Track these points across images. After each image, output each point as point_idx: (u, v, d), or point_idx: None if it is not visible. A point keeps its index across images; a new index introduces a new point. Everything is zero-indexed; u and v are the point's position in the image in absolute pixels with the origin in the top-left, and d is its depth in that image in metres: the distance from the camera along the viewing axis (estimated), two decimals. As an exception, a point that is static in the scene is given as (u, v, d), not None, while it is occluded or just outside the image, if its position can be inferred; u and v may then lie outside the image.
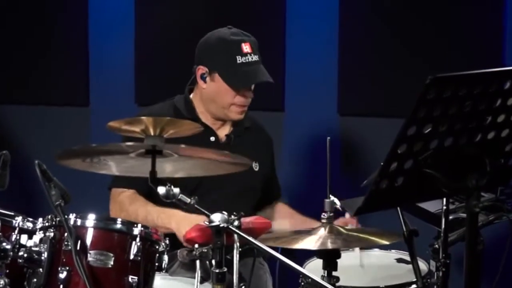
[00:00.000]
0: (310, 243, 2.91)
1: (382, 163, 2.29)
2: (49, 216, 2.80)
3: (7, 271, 2.77)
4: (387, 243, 2.97)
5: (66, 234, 2.71)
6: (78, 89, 4.85)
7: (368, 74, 4.55)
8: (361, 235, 3.04)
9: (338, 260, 2.93)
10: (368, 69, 4.55)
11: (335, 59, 4.58)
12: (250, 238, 2.65)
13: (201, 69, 3.57)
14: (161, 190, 2.64)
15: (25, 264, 2.75)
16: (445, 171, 2.33)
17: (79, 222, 2.78)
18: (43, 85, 4.86)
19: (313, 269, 3.15)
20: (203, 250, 2.75)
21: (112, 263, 2.75)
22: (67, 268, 2.72)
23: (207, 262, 2.75)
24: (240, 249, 2.74)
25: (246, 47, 3.53)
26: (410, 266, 3.01)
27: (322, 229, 2.99)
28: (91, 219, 2.80)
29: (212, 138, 3.61)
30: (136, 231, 2.79)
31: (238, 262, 2.76)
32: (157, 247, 2.84)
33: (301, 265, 3.19)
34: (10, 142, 4.80)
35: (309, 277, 2.67)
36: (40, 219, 2.84)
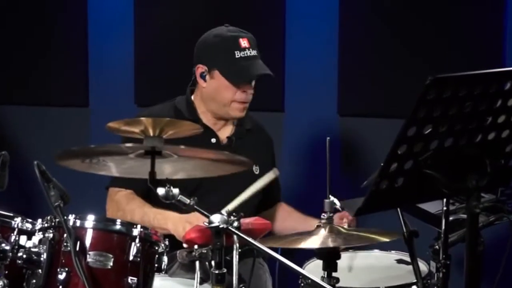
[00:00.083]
0: (310, 242, 2.91)
1: (382, 164, 2.29)
2: (48, 217, 2.80)
3: (6, 272, 2.76)
4: (387, 240, 2.96)
5: (65, 235, 2.71)
6: (77, 89, 4.85)
7: (368, 74, 4.55)
8: (361, 233, 3.03)
9: (338, 261, 2.92)
10: (368, 69, 4.55)
11: (335, 59, 4.58)
12: (250, 239, 2.65)
13: (200, 68, 3.57)
14: (161, 191, 2.63)
15: (24, 265, 2.74)
16: (445, 171, 2.33)
17: (78, 223, 2.78)
18: (43, 85, 4.86)
19: (313, 270, 3.15)
20: (203, 251, 2.74)
21: (111, 264, 2.74)
22: (67, 269, 2.72)
23: (207, 263, 2.75)
24: (239, 250, 2.74)
25: (244, 42, 3.52)
26: (410, 267, 3.00)
27: (322, 229, 2.98)
28: (90, 220, 2.79)
29: (213, 140, 3.60)
30: (136, 232, 2.79)
31: (238, 263, 2.76)
32: (156, 248, 2.84)
33: (301, 266, 3.18)
34: (9, 143, 4.80)
35: (309, 278, 2.67)
36: (39, 220, 2.83)
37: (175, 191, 2.64)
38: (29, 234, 2.81)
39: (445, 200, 2.81)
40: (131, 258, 2.76)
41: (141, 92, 4.76)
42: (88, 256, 2.73)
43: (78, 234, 2.74)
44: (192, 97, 3.65)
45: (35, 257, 2.73)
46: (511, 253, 3.13)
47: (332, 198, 3.03)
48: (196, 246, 2.78)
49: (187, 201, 2.68)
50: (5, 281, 2.74)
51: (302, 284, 3.14)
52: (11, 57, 4.87)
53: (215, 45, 3.54)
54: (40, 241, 2.77)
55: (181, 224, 3.22)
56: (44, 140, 4.76)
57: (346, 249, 3.34)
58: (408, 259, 3.05)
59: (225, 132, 3.64)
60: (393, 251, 3.44)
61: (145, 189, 3.10)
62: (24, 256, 2.72)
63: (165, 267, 2.86)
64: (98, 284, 2.71)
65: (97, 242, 2.77)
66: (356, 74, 4.57)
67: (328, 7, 4.59)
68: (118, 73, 4.79)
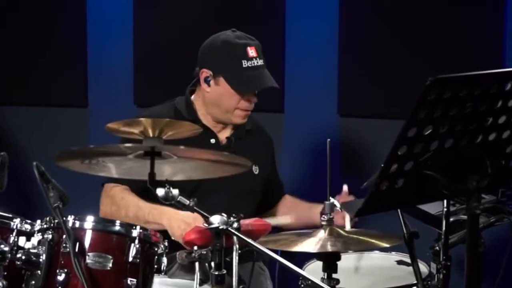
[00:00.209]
0: (310, 245, 2.90)
1: (382, 165, 2.28)
2: (48, 218, 2.79)
3: (5, 273, 2.75)
4: (387, 245, 2.96)
5: (64, 236, 2.70)
6: (76, 90, 4.85)
7: (368, 75, 4.54)
8: (361, 237, 3.03)
9: (338, 262, 2.92)
10: (368, 69, 4.55)
11: (335, 59, 4.58)
12: (250, 240, 2.64)
13: (205, 72, 3.54)
14: (160, 192, 2.63)
15: (23, 266, 2.73)
16: (445, 172, 2.33)
17: (77, 224, 2.77)
18: (42, 86, 4.86)
19: (313, 271, 3.14)
20: (202, 252, 2.74)
21: (110, 265, 2.74)
22: (66, 270, 2.71)
23: (206, 264, 2.74)
24: (239, 251, 2.73)
25: (251, 51, 3.50)
26: (411, 268, 2.99)
27: (322, 231, 2.98)
28: (89, 221, 2.78)
29: (213, 141, 3.59)
30: (135, 233, 2.78)
31: (238, 264, 2.75)
32: (156, 249, 2.83)
33: (300, 267, 3.18)
34: (8, 143, 4.80)
35: (309, 279, 2.66)
36: (38, 221, 2.83)
37: (175, 192, 2.64)
38: (28, 235, 2.81)
39: (445, 201, 2.80)
40: (130, 259, 2.75)
41: (141, 93, 4.75)
42: (87, 257, 2.72)
43: (77, 235, 2.73)
44: (192, 98, 3.64)
45: (34, 258, 2.72)
46: (512, 254, 3.13)
47: (332, 199, 3.03)
48: (195, 247, 2.77)
49: (187, 202, 2.68)
50: (4, 282, 2.73)
51: (302, 286, 3.14)
52: (10, 57, 4.87)
53: (222, 52, 3.51)
54: (39, 242, 2.76)
55: (177, 222, 3.22)
56: (43, 141, 4.76)
57: (346, 251, 3.33)
58: (408, 260, 3.04)
59: (224, 133, 3.63)
60: (393, 252, 3.44)
61: (141, 187, 3.09)
62: (23, 257, 2.72)
63: (164, 268, 2.86)
64: (97, 285, 2.70)
65: (96, 243, 2.76)
66: (356, 75, 4.56)
67: (328, 7, 4.59)
68: (117, 73, 4.78)
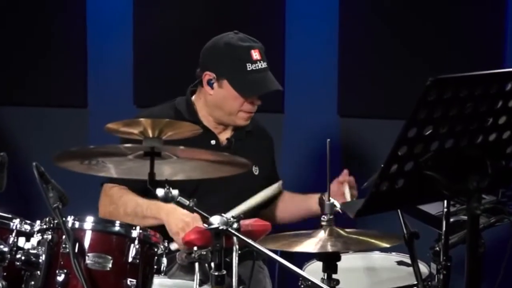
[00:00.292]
0: (310, 246, 2.90)
1: (382, 165, 2.28)
2: (47, 219, 2.79)
3: (5, 273, 2.76)
4: (387, 245, 2.96)
5: (64, 237, 2.71)
6: (76, 90, 4.84)
7: (368, 75, 4.54)
8: (361, 237, 3.02)
9: (338, 263, 2.91)
10: (368, 69, 4.55)
11: (335, 59, 4.57)
12: (249, 241, 2.64)
13: (208, 75, 3.52)
14: (160, 192, 2.63)
15: (22, 266, 2.73)
16: (446, 173, 2.32)
17: (77, 224, 2.77)
18: (41, 86, 4.85)
19: (313, 271, 3.14)
20: (202, 252, 2.74)
21: (110, 265, 2.74)
22: (65, 271, 2.71)
23: (206, 264, 2.75)
24: (239, 252, 2.73)
25: (255, 54, 3.49)
26: (411, 268, 3.00)
27: (322, 231, 2.98)
28: (89, 222, 2.79)
29: (213, 142, 3.58)
30: (135, 233, 2.78)
31: (238, 264, 2.75)
32: (155, 249, 2.83)
33: (300, 267, 3.18)
34: (7, 144, 4.79)
35: (309, 280, 2.66)
36: (38, 222, 2.83)
37: (175, 192, 2.64)
38: (28, 236, 2.81)
39: (445, 201, 2.80)
40: (130, 259, 2.76)
41: (140, 93, 4.75)
42: (87, 257, 2.73)
43: (77, 235, 2.73)
44: (193, 98, 3.63)
45: (33, 259, 2.72)
46: (512, 255, 3.13)
47: (332, 200, 3.02)
48: (195, 248, 2.77)
49: (187, 202, 2.68)
50: (4, 282, 2.73)
51: (302, 286, 3.14)
52: (8, 58, 4.86)
53: (225, 55, 3.50)
54: (39, 242, 2.76)
55: (175, 219, 3.21)
56: (43, 141, 4.75)
57: (346, 251, 3.32)
58: (408, 260, 3.05)
59: (225, 134, 3.63)
60: (393, 253, 3.44)
61: (140, 187, 3.09)
62: (23, 257, 2.72)
63: (164, 268, 2.86)
64: (97, 286, 2.70)
65: (96, 243, 2.76)
66: (356, 75, 4.56)
67: (328, 7, 4.58)
68: (117, 73, 4.77)
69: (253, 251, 2.88)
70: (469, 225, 2.41)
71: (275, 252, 2.70)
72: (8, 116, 4.93)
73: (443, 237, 2.83)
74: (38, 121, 4.89)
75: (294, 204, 3.72)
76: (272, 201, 3.71)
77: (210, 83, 3.52)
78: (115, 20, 4.77)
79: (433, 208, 3.19)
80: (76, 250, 2.69)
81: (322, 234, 2.95)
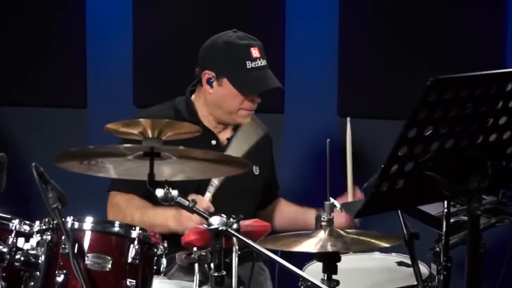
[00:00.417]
0: (310, 246, 2.89)
1: (382, 166, 2.28)
2: (46, 219, 2.78)
3: (4, 274, 2.75)
4: (387, 245, 2.95)
5: (63, 237, 2.70)
6: (75, 90, 4.84)
7: (368, 75, 4.54)
8: (361, 237, 3.02)
9: (338, 263, 2.91)
10: (368, 69, 4.54)
11: (335, 59, 4.57)
12: (249, 241, 2.63)
13: (208, 74, 3.52)
14: (159, 192, 2.62)
15: (22, 267, 2.73)
16: (446, 173, 2.32)
17: (76, 225, 2.77)
18: (41, 86, 4.84)
19: (313, 272, 3.14)
20: (202, 253, 2.73)
21: (110, 266, 2.73)
22: (65, 271, 2.70)
23: (206, 265, 2.74)
24: (239, 252, 2.72)
25: (255, 52, 3.49)
26: (411, 269, 2.99)
27: (322, 231, 2.97)
28: (88, 222, 2.78)
29: (213, 142, 3.58)
30: (134, 234, 2.77)
31: (237, 264, 2.75)
32: (155, 250, 2.82)
33: (300, 268, 3.17)
34: (7, 144, 4.78)
35: (309, 281, 2.66)
36: (37, 222, 2.82)
37: (174, 192, 2.63)
38: (27, 236, 2.80)
39: (446, 202, 2.80)
40: (129, 260, 2.75)
41: (140, 93, 4.74)
42: (86, 258, 2.72)
43: (76, 236, 2.72)
44: (192, 98, 3.62)
45: (33, 260, 2.72)
46: (513, 255, 3.13)
47: (332, 200, 3.02)
48: (195, 248, 2.77)
49: (186, 203, 2.67)
50: (3, 283, 2.73)
51: (302, 287, 3.13)
52: (8, 58, 4.86)
53: (225, 53, 3.49)
54: (38, 243, 2.76)
55: (183, 220, 3.20)
56: (42, 142, 4.75)
57: (347, 251, 3.32)
58: (408, 261, 3.04)
59: (225, 134, 3.62)
60: (393, 253, 3.43)
61: (145, 192, 3.08)
62: (22, 258, 2.71)
63: (164, 269, 2.85)
64: (96, 286, 2.70)
65: (96, 244, 2.76)
66: (356, 75, 4.56)
67: (328, 7, 4.58)
68: (116, 74, 4.77)
69: (253, 251, 2.87)
70: (470, 226, 2.41)
71: (275, 252, 2.69)
72: (7, 116, 4.92)
73: (443, 237, 2.82)
74: (37, 122, 4.88)
75: (291, 215, 3.72)
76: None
77: (209, 82, 3.52)
78: (114, 20, 4.77)
79: (433, 209, 3.19)
80: (76, 251, 2.69)
81: (322, 234, 2.95)
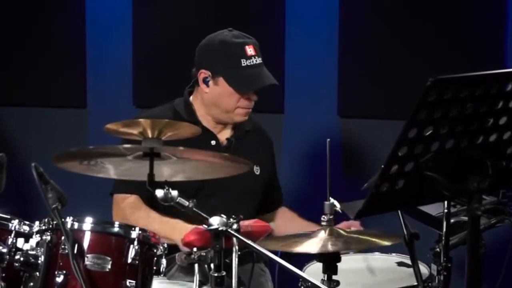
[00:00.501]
0: (310, 246, 2.89)
1: (382, 166, 2.27)
2: (46, 220, 2.78)
3: (4, 274, 2.75)
4: (388, 243, 2.95)
5: (63, 238, 2.70)
6: (75, 91, 4.83)
7: (368, 75, 4.54)
8: (361, 236, 3.02)
9: (338, 264, 2.90)
10: (368, 69, 4.54)
11: (335, 59, 4.57)
12: (249, 242, 2.63)
13: (204, 73, 3.52)
14: (159, 193, 2.62)
15: (21, 267, 2.73)
16: (446, 173, 2.32)
17: (76, 225, 2.76)
18: (40, 86, 4.84)
19: (313, 272, 3.13)
20: (202, 253, 2.73)
21: (109, 267, 2.73)
22: (64, 272, 2.70)
23: (206, 265, 2.74)
24: (239, 253, 2.72)
25: (250, 50, 3.49)
26: (411, 269, 2.99)
27: (322, 231, 2.97)
28: (88, 223, 2.77)
29: (213, 142, 3.57)
30: (134, 234, 2.77)
31: (238, 265, 2.74)
32: (155, 250, 2.82)
33: (300, 268, 3.16)
34: (6, 144, 4.78)
35: (309, 281, 2.65)
36: (37, 223, 2.82)
37: (174, 193, 2.63)
38: (27, 237, 2.80)
39: (446, 202, 2.79)
40: (129, 261, 2.75)
41: (140, 93, 4.74)
42: (86, 258, 2.72)
43: (76, 236, 2.72)
44: (191, 99, 3.62)
45: (32, 260, 2.71)
46: (513, 256, 3.12)
47: (332, 200, 3.01)
48: (195, 249, 2.76)
49: (186, 203, 2.67)
50: (3, 283, 2.73)
51: (302, 287, 3.12)
52: (7, 58, 4.85)
53: (220, 51, 3.50)
54: (38, 243, 2.75)
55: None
56: (42, 142, 4.74)
57: (347, 252, 3.32)
58: (409, 261, 3.04)
59: (224, 134, 3.62)
60: (393, 254, 3.42)
61: (149, 193, 3.07)
62: (22, 258, 2.71)
63: (163, 270, 2.85)
64: (96, 287, 2.70)
65: (95, 244, 2.75)
66: (356, 75, 4.55)
67: (328, 7, 4.58)
68: (116, 74, 4.77)
69: (253, 252, 2.87)
70: (470, 226, 2.41)
71: (275, 253, 2.69)
72: (7, 116, 4.92)
73: (443, 238, 2.82)
74: (37, 122, 4.88)
75: (294, 227, 3.69)
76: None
77: (205, 81, 3.52)
78: (114, 20, 4.77)
79: (433, 209, 3.18)
80: (75, 251, 2.69)
81: (322, 234, 2.95)
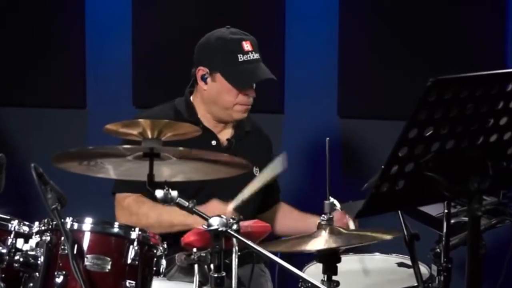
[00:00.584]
0: (311, 245, 2.89)
1: (382, 166, 2.27)
2: (46, 220, 2.77)
3: (3, 275, 2.75)
4: (388, 237, 2.94)
5: (62, 238, 2.69)
6: (75, 91, 4.83)
7: (368, 75, 4.54)
8: (361, 233, 3.02)
9: (338, 264, 2.90)
10: (368, 69, 4.54)
11: (335, 59, 4.57)
12: (249, 242, 2.62)
13: (202, 70, 3.53)
14: (159, 193, 2.61)
15: (21, 268, 2.72)
16: (446, 174, 2.31)
17: (75, 226, 2.76)
18: (40, 87, 4.84)
19: (313, 273, 3.13)
20: (202, 254, 2.72)
21: (109, 267, 2.72)
22: (64, 272, 2.69)
23: (206, 266, 2.73)
24: (239, 253, 2.72)
25: (247, 45, 3.50)
26: (411, 270, 2.99)
27: (322, 231, 2.97)
28: (88, 223, 2.77)
29: (214, 142, 3.57)
30: (134, 235, 2.76)
31: (238, 266, 2.74)
32: (155, 251, 2.82)
33: (300, 269, 3.16)
34: (6, 145, 4.78)
35: (309, 282, 2.65)
36: (37, 223, 2.81)
37: (174, 193, 2.62)
38: (26, 237, 2.79)
39: (446, 203, 2.79)
40: (129, 261, 2.74)
41: (139, 94, 4.73)
42: (85, 259, 2.71)
43: (75, 237, 2.71)
44: (191, 98, 3.62)
45: (32, 261, 2.71)
46: (513, 256, 3.13)
47: (332, 199, 3.01)
48: (195, 249, 2.76)
49: (186, 203, 2.66)
50: (2, 284, 2.72)
51: (301, 288, 3.12)
52: (8, 58, 4.85)
53: (217, 48, 3.51)
54: (37, 244, 2.75)
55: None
56: (41, 142, 4.74)
57: (347, 252, 3.32)
58: (409, 262, 3.03)
59: (225, 134, 3.62)
60: (394, 254, 3.42)
61: (151, 193, 3.07)
62: (21, 259, 2.70)
63: (163, 270, 2.84)
64: (95, 287, 2.68)
65: (95, 245, 2.75)
66: (356, 75, 4.55)
67: (328, 7, 4.58)
68: (116, 74, 4.77)
69: (253, 252, 2.86)
70: (470, 227, 2.40)
71: (275, 253, 2.69)
72: (7, 116, 4.92)
73: (443, 238, 2.82)
74: (36, 122, 4.88)
75: (293, 221, 3.70)
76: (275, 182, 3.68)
77: (203, 78, 3.52)
78: (114, 21, 4.76)
79: (433, 210, 3.18)
80: (75, 252, 2.68)
81: (322, 233, 2.95)
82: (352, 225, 3.34)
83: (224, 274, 2.64)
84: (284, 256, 2.81)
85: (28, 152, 4.71)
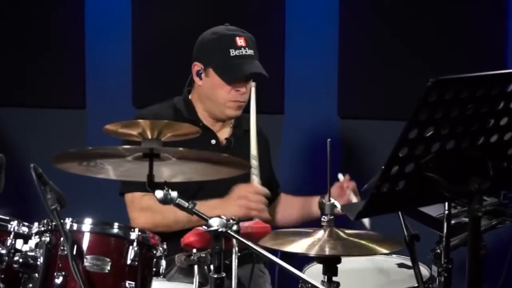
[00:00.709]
0: (307, 248, 2.88)
1: (383, 167, 2.26)
2: (45, 221, 2.77)
3: (3, 276, 2.75)
4: (386, 251, 2.94)
5: (62, 239, 2.69)
6: (74, 91, 4.83)
7: (368, 75, 4.54)
8: (361, 241, 3.01)
9: (338, 265, 2.90)
10: (368, 69, 4.54)
11: (335, 60, 4.57)
12: (249, 243, 2.62)
13: (197, 66, 3.55)
14: (159, 194, 2.61)
15: (20, 269, 2.72)
16: (447, 174, 2.31)
17: (75, 226, 2.75)
18: (39, 87, 4.84)
19: (313, 274, 3.13)
20: (201, 255, 2.71)
21: (108, 268, 2.72)
22: (63, 273, 2.69)
23: (205, 267, 2.72)
24: (239, 254, 2.71)
25: (240, 41, 3.49)
26: (412, 271, 2.98)
27: (322, 231, 2.96)
28: (87, 224, 2.76)
29: (213, 141, 3.57)
30: (133, 235, 2.76)
31: (237, 267, 2.73)
32: (154, 252, 2.81)
33: (300, 270, 3.16)
34: (5, 145, 4.78)
35: (309, 282, 2.64)
36: (36, 224, 2.81)
37: (174, 194, 2.62)
38: (26, 238, 2.79)
39: (446, 203, 2.79)
40: (128, 262, 2.74)
41: (139, 94, 4.73)
42: (85, 260, 2.71)
43: (75, 237, 2.71)
44: (190, 97, 3.62)
45: (31, 261, 2.70)
46: (514, 257, 3.12)
47: (332, 200, 3.01)
48: (194, 250, 2.75)
49: (186, 204, 2.65)
50: (1, 285, 2.73)
51: (301, 288, 3.12)
52: (8, 58, 4.85)
53: (211, 43, 3.52)
54: (37, 245, 2.74)
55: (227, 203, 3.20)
56: (41, 142, 4.74)
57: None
58: (409, 263, 3.03)
59: (224, 133, 3.62)
60: (394, 255, 3.42)
61: None
62: (21, 260, 2.70)
63: (163, 271, 2.84)
64: (95, 288, 2.68)
65: (94, 246, 2.74)
66: (356, 75, 4.55)
67: (328, 7, 4.58)
68: (115, 74, 4.77)
69: (253, 253, 2.86)
70: (471, 227, 2.40)
71: (275, 254, 2.68)
72: (6, 117, 4.92)
73: (444, 239, 2.82)
74: (36, 122, 4.88)
75: (294, 208, 3.70)
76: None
77: (198, 74, 3.54)
78: (114, 21, 4.76)
79: (434, 210, 3.18)
80: (74, 252, 2.67)
81: (321, 235, 2.94)
82: (354, 199, 3.34)
83: (224, 275, 2.64)
84: (284, 256, 2.81)
85: (28, 152, 4.71)
